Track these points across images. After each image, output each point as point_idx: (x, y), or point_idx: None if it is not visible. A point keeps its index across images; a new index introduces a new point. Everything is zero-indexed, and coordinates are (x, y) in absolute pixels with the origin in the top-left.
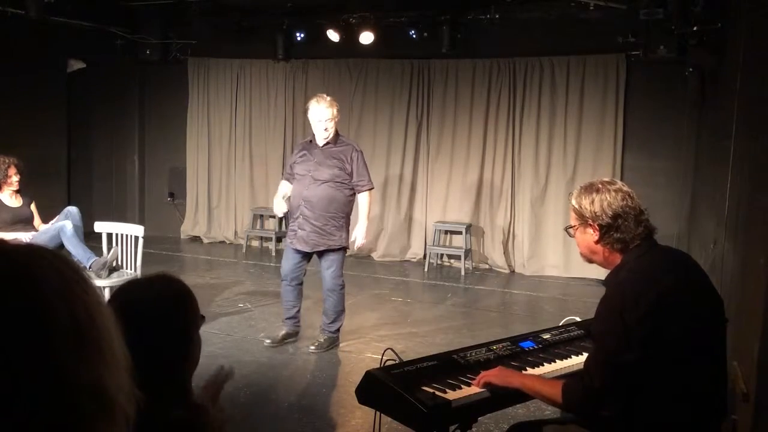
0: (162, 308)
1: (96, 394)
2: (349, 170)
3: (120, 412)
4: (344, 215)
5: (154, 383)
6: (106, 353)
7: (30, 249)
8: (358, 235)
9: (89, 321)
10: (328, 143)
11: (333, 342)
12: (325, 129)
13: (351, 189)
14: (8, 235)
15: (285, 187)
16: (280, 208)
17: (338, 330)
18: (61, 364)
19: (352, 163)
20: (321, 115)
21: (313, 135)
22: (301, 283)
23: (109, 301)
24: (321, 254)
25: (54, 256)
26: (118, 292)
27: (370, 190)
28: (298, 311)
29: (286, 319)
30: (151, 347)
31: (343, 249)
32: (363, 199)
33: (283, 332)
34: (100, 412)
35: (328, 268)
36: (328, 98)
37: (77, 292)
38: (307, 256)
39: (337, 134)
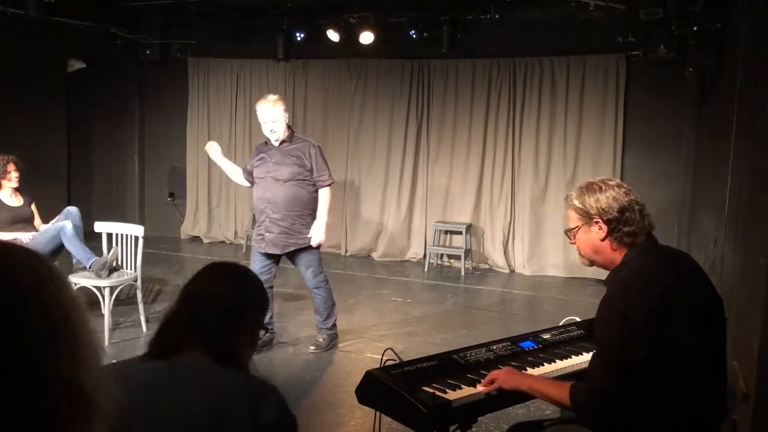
0: (230, 292)
1: (73, 392)
2: (308, 166)
3: (97, 410)
4: (310, 212)
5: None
6: (82, 350)
7: (2, 247)
8: (315, 233)
9: (64, 318)
10: (284, 142)
11: (332, 339)
12: (272, 130)
13: (313, 185)
14: (8, 235)
15: (235, 168)
16: (212, 147)
17: (334, 325)
18: (36, 362)
19: (311, 159)
20: (265, 116)
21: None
22: (271, 287)
23: (204, 269)
24: (295, 256)
25: (27, 254)
26: (214, 266)
27: (330, 185)
28: (272, 317)
29: None
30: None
31: (317, 246)
32: (323, 195)
33: (266, 336)
34: (77, 410)
35: (307, 268)
36: (273, 97)
37: (51, 289)
38: (275, 259)
39: (291, 132)
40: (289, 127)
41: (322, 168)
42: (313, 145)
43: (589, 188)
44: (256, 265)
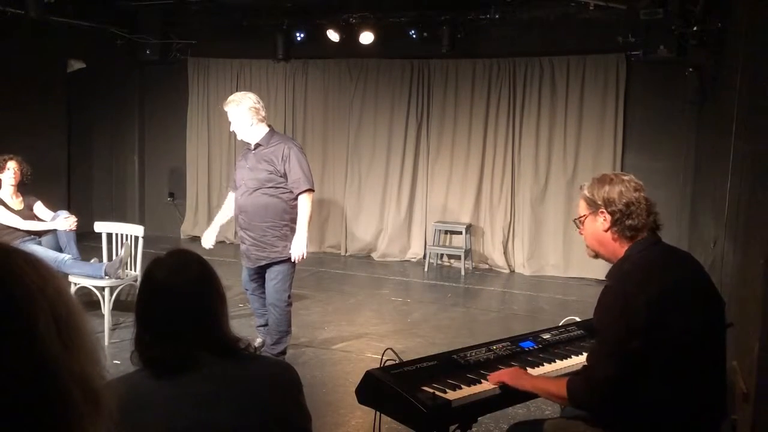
0: (193, 279)
1: (83, 386)
2: (282, 171)
3: (105, 407)
4: (286, 223)
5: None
6: (88, 345)
7: (5, 246)
8: (294, 249)
9: (68, 314)
10: (259, 145)
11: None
12: (233, 131)
13: (291, 192)
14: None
15: (228, 206)
16: (207, 240)
17: (283, 352)
18: (49, 355)
19: (284, 163)
20: (229, 116)
21: None
22: (263, 292)
23: (145, 279)
24: (266, 266)
25: (27, 254)
26: (155, 270)
27: (308, 191)
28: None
29: (258, 327)
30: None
31: (291, 261)
32: (300, 204)
33: (259, 341)
34: (89, 403)
35: (271, 279)
36: (236, 96)
37: (54, 286)
38: (258, 267)
39: (270, 133)
40: (270, 127)
41: (296, 172)
42: (290, 147)
43: (602, 179)
44: (244, 273)
